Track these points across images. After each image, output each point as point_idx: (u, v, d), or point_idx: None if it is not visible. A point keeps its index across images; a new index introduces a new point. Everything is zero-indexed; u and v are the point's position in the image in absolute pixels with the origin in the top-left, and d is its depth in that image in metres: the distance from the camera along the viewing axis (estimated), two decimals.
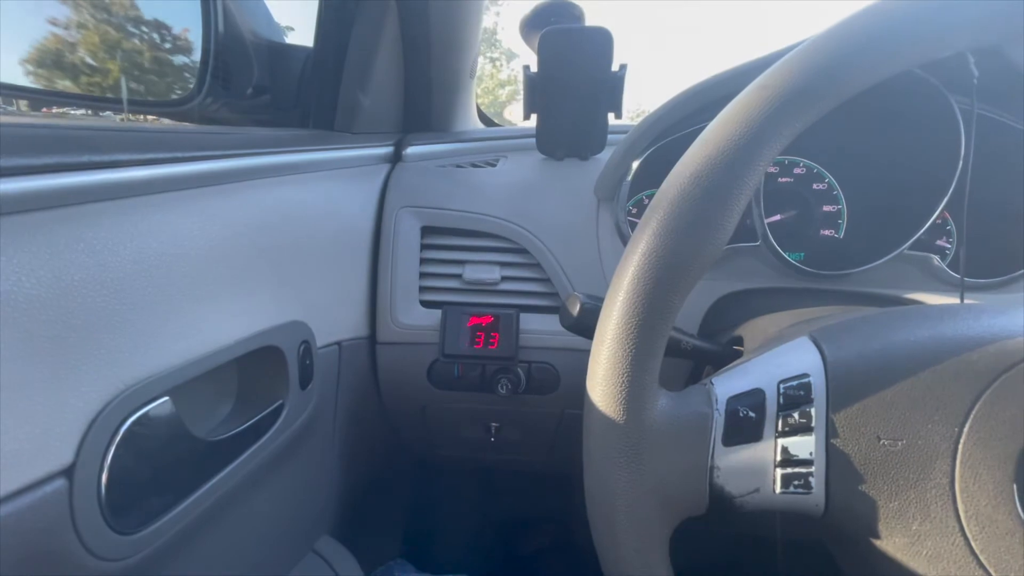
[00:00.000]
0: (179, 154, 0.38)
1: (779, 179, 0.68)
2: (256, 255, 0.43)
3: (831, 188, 0.67)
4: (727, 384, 0.33)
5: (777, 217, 0.67)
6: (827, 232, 0.67)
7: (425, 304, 0.60)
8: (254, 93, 0.62)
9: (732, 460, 0.31)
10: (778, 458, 0.30)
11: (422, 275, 0.60)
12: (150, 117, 0.61)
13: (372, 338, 0.59)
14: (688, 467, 0.31)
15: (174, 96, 0.57)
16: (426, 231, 0.61)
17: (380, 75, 0.63)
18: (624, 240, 0.62)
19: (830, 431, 0.30)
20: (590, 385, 0.32)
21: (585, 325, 0.44)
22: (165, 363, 0.32)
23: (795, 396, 0.31)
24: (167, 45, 0.56)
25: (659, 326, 0.30)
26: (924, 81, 0.54)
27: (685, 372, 0.58)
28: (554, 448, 0.71)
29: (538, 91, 0.68)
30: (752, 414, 0.31)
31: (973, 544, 0.28)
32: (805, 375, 0.32)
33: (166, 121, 0.62)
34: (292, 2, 0.72)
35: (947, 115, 0.54)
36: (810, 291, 0.61)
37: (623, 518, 0.31)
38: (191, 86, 0.55)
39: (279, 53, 0.64)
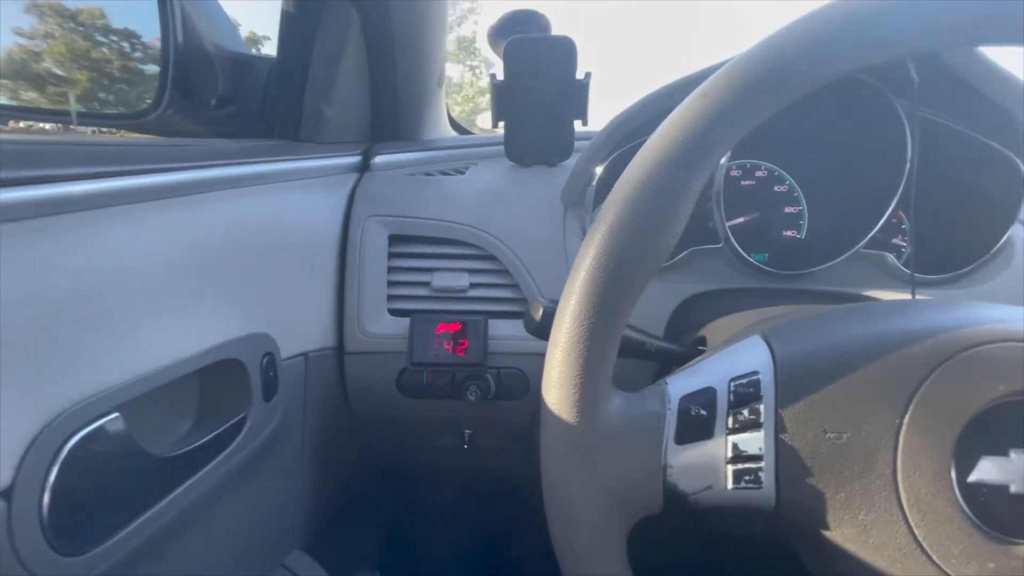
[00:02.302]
0: (129, 167, 0.37)
1: (742, 182, 0.69)
2: (215, 268, 0.43)
3: (792, 190, 0.69)
4: (680, 383, 0.34)
5: (740, 220, 0.69)
6: (789, 233, 0.69)
7: (393, 313, 0.60)
8: (218, 104, 0.62)
9: (684, 458, 0.31)
10: (729, 455, 0.31)
11: (390, 283, 0.60)
12: (110, 130, 0.60)
13: (340, 348, 0.58)
14: (642, 467, 0.31)
15: (135, 108, 0.56)
16: (394, 239, 0.62)
17: (345, 85, 0.63)
18: None
19: (779, 427, 0.31)
20: (545, 389, 0.32)
21: (547, 329, 0.44)
22: (114, 379, 0.31)
23: (745, 393, 0.32)
24: (127, 56, 0.56)
25: (611, 328, 0.31)
26: (869, 85, 0.56)
27: (652, 374, 0.59)
28: (529, 453, 0.71)
29: (505, 99, 0.69)
30: (703, 412, 0.32)
31: (916, 531, 0.29)
32: (755, 372, 0.33)
33: (128, 134, 0.61)
34: (260, 12, 0.72)
35: (892, 118, 0.56)
36: (773, 291, 0.62)
37: (580, 520, 0.31)
38: (151, 98, 0.55)
39: (243, 64, 0.63)
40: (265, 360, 0.46)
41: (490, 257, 0.62)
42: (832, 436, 0.31)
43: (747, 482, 0.31)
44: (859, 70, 0.56)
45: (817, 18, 0.30)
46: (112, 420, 0.30)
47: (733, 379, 0.33)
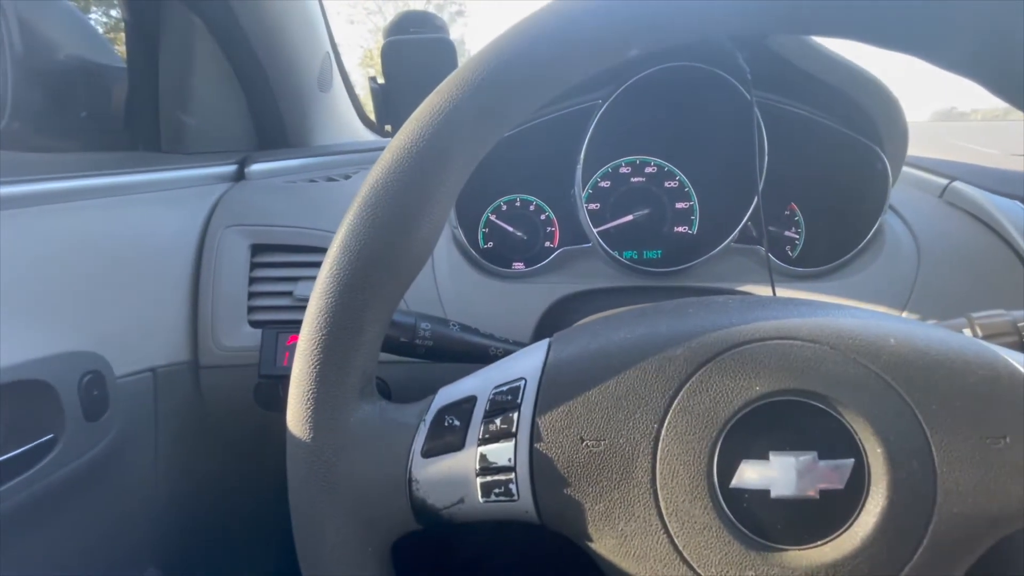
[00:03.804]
0: None
1: (632, 179, 0.68)
2: (20, 286, 0.42)
3: (682, 185, 0.68)
4: (448, 392, 0.32)
5: (629, 217, 0.67)
6: (681, 228, 0.68)
7: (254, 324, 0.58)
8: (78, 116, 0.60)
9: (431, 472, 0.30)
10: (477, 466, 0.29)
11: (252, 295, 0.58)
12: None
13: (195, 362, 0.57)
14: (385, 482, 0.30)
15: None
16: (257, 249, 0.60)
17: (205, 92, 0.62)
18: (462, 251, 0.61)
19: (534, 435, 0.29)
20: (288, 401, 0.30)
21: (393, 343, 0.43)
22: None
23: (502, 401, 0.30)
24: None
25: (352, 333, 0.29)
26: (718, 76, 0.55)
27: None
28: None
29: (386, 102, 0.68)
30: (457, 422, 0.30)
31: (675, 540, 0.27)
32: (519, 379, 0.31)
33: None
34: None
35: (743, 107, 0.55)
36: (648, 288, 0.61)
37: (324, 540, 0.30)
38: None
39: (103, 73, 0.62)
40: (87, 379, 0.45)
41: None
42: (590, 444, 0.29)
43: (498, 495, 0.29)
44: (698, 60, 0.55)
45: (549, 11, 0.29)
46: None
47: (496, 386, 0.31)
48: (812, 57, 0.51)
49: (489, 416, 0.30)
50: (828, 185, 0.61)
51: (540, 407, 0.30)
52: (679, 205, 0.68)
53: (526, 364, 0.32)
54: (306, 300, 0.59)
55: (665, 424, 0.28)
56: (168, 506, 0.57)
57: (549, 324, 0.59)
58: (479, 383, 0.32)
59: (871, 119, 0.53)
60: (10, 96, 0.53)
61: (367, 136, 0.97)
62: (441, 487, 0.30)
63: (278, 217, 0.61)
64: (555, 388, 0.30)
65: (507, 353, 0.50)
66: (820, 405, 0.28)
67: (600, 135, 0.58)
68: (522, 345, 0.51)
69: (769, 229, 0.64)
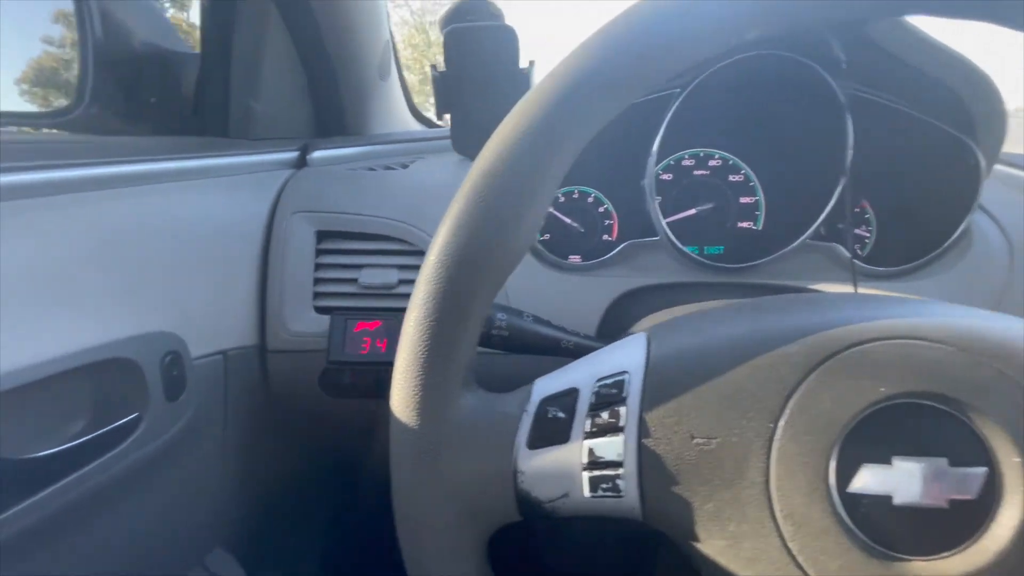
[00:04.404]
0: (22, 164, 0.37)
1: (695, 172, 0.67)
2: (106, 267, 0.42)
3: (748, 179, 0.66)
4: (547, 383, 0.32)
5: (692, 211, 0.66)
6: (745, 224, 0.66)
7: (319, 310, 0.58)
8: (149, 101, 0.61)
9: (537, 464, 0.29)
10: (585, 460, 0.29)
11: (317, 281, 0.59)
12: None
13: (262, 346, 0.57)
14: (491, 473, 0.29)
15: (55, 107, 0.56)
16: (323, 236, 0.60)
17: (274, 81, 0.62)
18: None
19: (642, 431, 0.29)
20: (391, 389, 0.30)
21: None
22: None
23: (608, 395, 0.30)
24: (48, 52, 0.56)
25: (459, 321, 0.29)
26: (806, 66, 0.52)
27: None
28: None
29: (447, 91, 0.67)
30: (562, 415, 0.30)
31: (789, 544, 0.27)
32: (622, 372, 0.30)
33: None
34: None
35: (832, 100, 0.52)
36: (717, 285, 0.59)
37: (427, 530, 0.29)
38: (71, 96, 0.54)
39: (176, 60, 0.63)
40: (168, 359, 0.45)
41: (420, 253, 0.60)
42: (700, 441, 0.28)
43: (604, 490, 0.29)
44: (787, 49, 0.53)
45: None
46: None
47: (600, 379, 0.31)
48: (908, 43, 0.48)
49: (595, 409, 0.30)
50: (910, 181, 0.58)
51: (647, 402, 0.29)
52: (744, 200, 0.66)
53: (627, 358, 0.31)
54: (371, 288, 0.60)
55: (781, 423, 0.27)
56: (234, 488, 0.58)
57: (613, 318, 0.58)
58: (579, 375, 0.31)
59: (967, 111, 0.50)
60: (90, 81, 0.54)
61: (416, 126, 0.97)
62: (546, 480, 0.29)
63: (342, 204, 0.61)
64: (662, 383, 0.29)
65: (579, 347, 0.49)
66: (948, 409, 0.26)
67: (672, 126, 0.56)
68: (591, 339, 0.50)
69: (839, 226, 0.62)
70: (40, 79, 0.56)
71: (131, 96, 0.59)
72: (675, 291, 0.59)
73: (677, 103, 0.55)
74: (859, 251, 0.64)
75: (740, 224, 0.66)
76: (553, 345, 0.47)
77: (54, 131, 0.57)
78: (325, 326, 0.57)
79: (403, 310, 0.59)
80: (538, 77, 0.70)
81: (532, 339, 0.47)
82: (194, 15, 0.69)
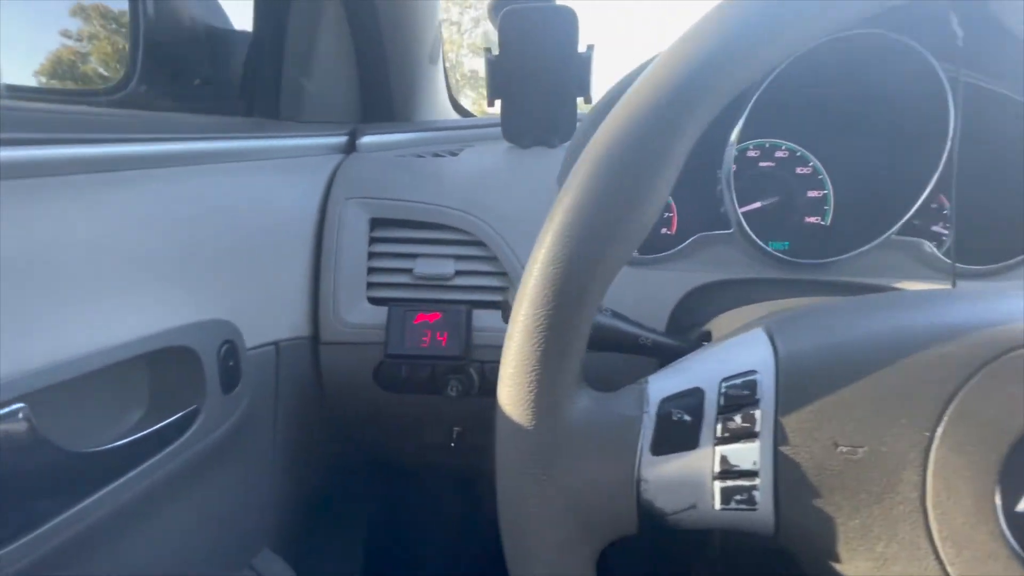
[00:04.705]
0: (77, 135, 0.34)
1: (760, 164, 0.63)
2: (163, 249, 0.40)
3: (816, 172, 0.62)
4: (663, 383, 0.29)
5: (757, 204, 0.62)
6: (812, 219, 0.63)
7: (373, 301, 0.56)
8: (197, 80, 0.59)
9: (663, 471, 0.26)
10: (717, 468, 0.26)
11: (370, 270, 0.56)
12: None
13: (315, 338, 0.55)
14: (610, 481, 0.27)
15: (104, 84, 0.54)
16: (376, 224, 0.58)
17: (326, 62, 0.60)
18: None
19: (778, 437, 0.26)
20: (499, 386, 0.28)
21: None
22: (19, 366, 0.28)
23: (738, 396, 0.27)
24: (96, 29, 0.53)
25: (575, 317, 0.26)
26: (905, 46, 0.49)
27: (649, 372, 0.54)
28: None
29: (500, 76, 0.64)
30: (688, 418, 0.27)
31: (949, 569, 0.23)
32: (752, 372, 0.27)
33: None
34: None
35: (933, 84, 0.49)
36: (791, 282, 0.56)
37: (537, 539, 0.27)
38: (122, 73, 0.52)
39: (224, 38, 0.60)
40: (224, 349, 0.43)
41: (478, 243, 0.57)
42: (845, 450, 0.25)
43: (738, 502, 0.26)
44: (880, 26, 0.49)
45: None
46: (13, 412, 0.27)
47: (725, 379, 0.28)
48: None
49: (725, 412, 0.27)
50: (1002, 173, 0.54)
51: (783, 405, 0.26)
52: (811, 194, 0.63)
53: (751, 355, 0.28)
54: (426, 279, 0.57)
55: (939, 432, 0.24)
56: (282, 486, 0.55)
57: (682, 313, 0.55)
58: (699, 374, 0.28)
59: None
60: (140, 59, 0.52)
61: (454, 116, 0.94)
62: (672, 489, 0.26)
63: (395, 191, 0.58)
64: (798, 384, 0.26)
65: (657, 344, 0.46)
66: None
67: (751, 114, 0.53)
68: (669, 336, 0.47)
69: (914, 223, 0.59)
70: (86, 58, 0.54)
71: (180, 75, 0.57)
72: (746, 287, 0.56)
73: (760, 91, 0.51)
74: (931, 247, 0.61)
75: (807, 219, 0.63)
76: (631, 342, 0.44)
77: (100, 109, 0.54)
78: (379, 317, 0.55)
79: (460, 302, 0.57)
80: (597, 63, 0.68)
81: (611, 335, 0.44)
82: None
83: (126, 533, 0.37)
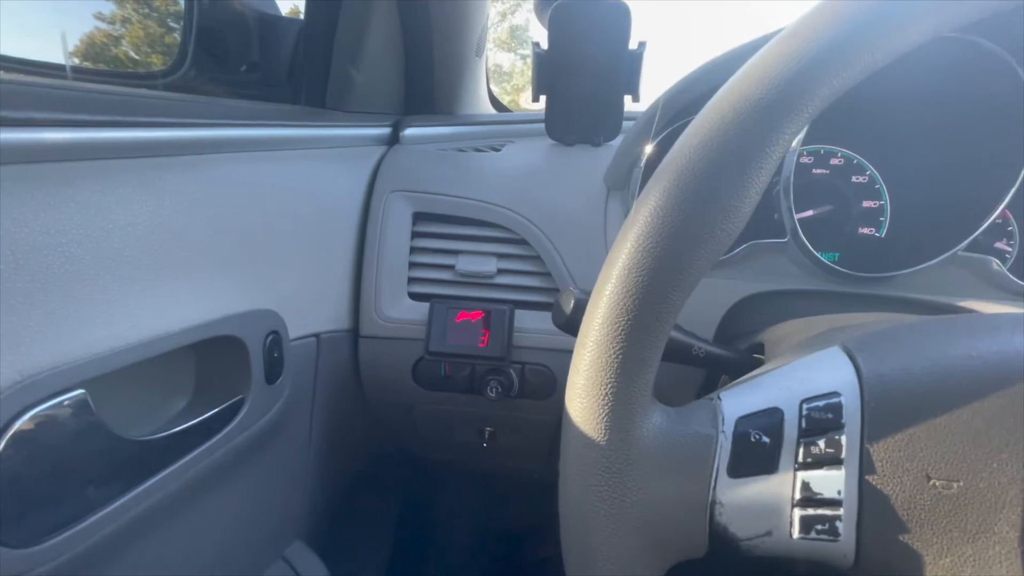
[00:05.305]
0: (126, 119, 0.34)
1: (813, 170, 0.61)
2: (220, 236, 0.40)
3: (872, 181, 0.60)
4: (738, 400, 0.27)
5: (810, 212, 0.60)
6: (866, 230, 0.60)
7: (414, 296, 0.55)
8: (244, 67, 0.59)
9: (739, 495, 0.25)
10: (797, 495, 0.25)
11: (412, 265, 0.55)
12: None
13: (355, 331, 0.54)
14: (683, 501, 0.25)
15: (156, 68, 0.54)
16: (418, 218, 0.57)
17: (375, 52, 0.59)
18: None
19: (865, 465, 0.24)
20: (569, 397, 0.26)
21: (578, 323, 0.39)
22: (82, 351, 0.28)
23: (821, 419, 0.25)
24: (150, 12, 0.53)
25: (654, 328, 0.25)
26: (984, 51, 0.46)
27: (697, 384, 0.52)
28: (552, 455, 0.65)
29: (548, 71, 0.63)
30: (766, 439, 0.25)
31: None
32: (835, 394, 0.26)
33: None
34: None
35: (1013, 93, 0.46)
36: (845, 295, 0.54)
37: (601, 560, 0.26)
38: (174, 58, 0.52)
39: (273, 25, 0.60)
40: (269, 339, 0.43)
41: (521, 241, 0.56)
42: (939, 484, 0.24)
43: (819, 532, 0.24)
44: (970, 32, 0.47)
45: None
46: (75, 397, 0.27)
47: (806, 400, 0.26)
48: None
49: (808, 435, 0.25)
50: None
51: (870, 432, 0.25)
52: (867, 204, 0.60)
53: (832, 376, 0.27)
54: (469, 276, 0.56)
55: None
56: (316, 478, 0.55)
57: (731, 323, 0.53)
58: (776, 393, 0.27)
59: None
60: (192, 44, 0.51)
61: (491, 109, 0.93)
62: (748, 514, 0.25)
63: (437, 185, 0.57)
64: (887, 410, 0.25)
65: (710, 356, 0.44)
66: None
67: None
68: (723, 347, 0.45)
69: (977, 239, 0.56)
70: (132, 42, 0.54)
71: (229, 61, 0.57)
72: (798, 298, 0.54)
73: None
74: (999, 265, 0.58)
75: (861, 230, 0.61)
76: (684, 351, 0.43)
77: (150, 92, 0.54)
78: (419, 313, 0.54)
79: (502, 301, 0.56)
80: (647, 59, 0.66)
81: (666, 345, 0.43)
82: None
83: (168, 523, 0.37)
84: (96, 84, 0.40)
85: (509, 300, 0.55)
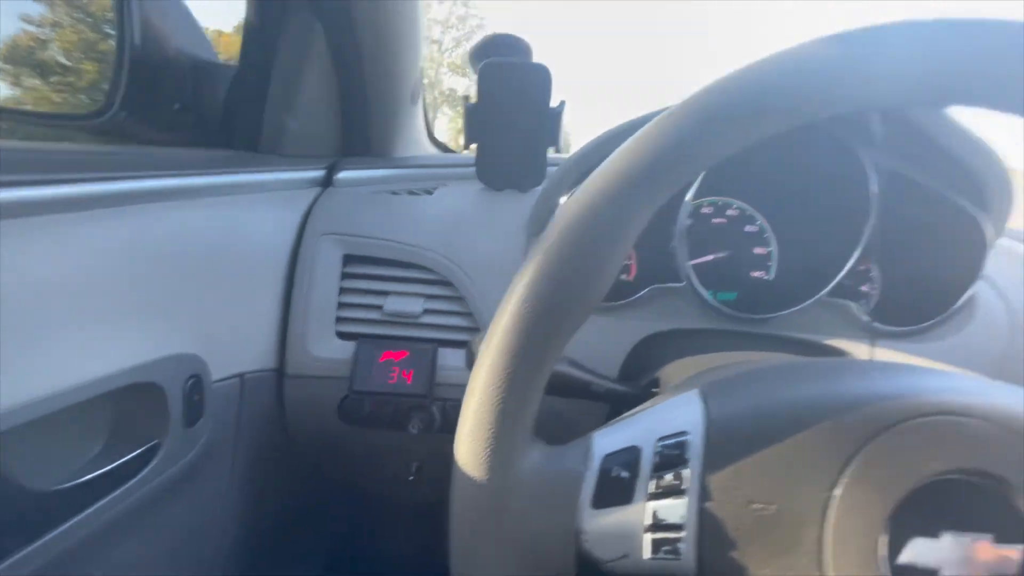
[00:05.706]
0: (52, 176, 0.35)
1: (713, 220, 0.68)
2: (134, 284, 0.41)
3: (762, 231, 0.68)
4: (606, 439, 0.32)
5: (709, 257, 0.67)
6: (758, 273, 0.68)
7: (342, 336, 0.57)
8: (177, 110, 0.60)
9: (601, 524, 0.29)
10: (648, 522, 0.29)
11: (341, 305, 0.58)
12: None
13: (280, 370, 0.56)
14: (554, 531, 0.29)
15: (83, 110, 0.54)
16: (349, 259, 0.59)
17: (309, 96, 0.62)
18: None
19: (703, 494, 0.29)
20: (457, 440, 0.30)
21: None
22: None
23: (671, 456, 0.30)
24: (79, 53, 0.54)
25: (534, 375, 0.29)
26: (832, 135, 0.55)
27: (603, 415, 0.57)
28: None
29: (477, 121, 0.68)
30: (625, 474, 0.30)
31: None
32: (683, 433, 0.31)
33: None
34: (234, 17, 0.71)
35: (857, 168, 0.55)
36: (735, 333, 0.61)
37: None
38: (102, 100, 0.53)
39: (207, 70, 0.62)
40: (190, 383, 0.44)
41: (446, 283, 0.60)
42: (759, 507, 0.29)
43: (666, 552, 0.29)
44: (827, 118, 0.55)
45: (810, 51, 0.28)
46: None
47: (661, 438, 0.31)
48: (942, 125, 0.51)
49: (659, 470, 0.30)
50: (917, 247, 0.61)
51: (708, 464, 0.29)
52: (757, 250, 0.68)
53: (684, 417, 0.32)
54: (396, 316, 0.59)
55: (837, 492, 0.28)
56: (242, 517, 0.55)
57: (634, 360, 0.58)
58: (638, 432, 0.32)
59: (981, 189, 0.54)
60: (123, 87, 0.52)
61: (432, 151, 0.97)
62: (608, 540, 0.29)
63: (369, 228, 0.60)
64: (722, 446, 0.30)
65: (609, 392, 0.49)
66: (995, 487, 0.27)
67: (707, 174, 0.58)
68: (619, 383, 0.50)
69: (844, 283, 0.65)
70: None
71: (160, 104, 0.58)
72: (694, 337, 0.60)
73: None
74: (856, 310, 0.67)
75: (752, 273, 0.68)
76: (582, 388, 0.48)
77: (75, 145, 0.55)
78: (346, 352, 0.56)
79: (428, 340, 0.59)
80: (567, 116, 0.72)
81: (563, 381, 0.47)
82: (222, 24, 0.68)
83: (83, 570, 0.37)
84: (23, 125, 0.41)
85: (434, 339, 0.58)
